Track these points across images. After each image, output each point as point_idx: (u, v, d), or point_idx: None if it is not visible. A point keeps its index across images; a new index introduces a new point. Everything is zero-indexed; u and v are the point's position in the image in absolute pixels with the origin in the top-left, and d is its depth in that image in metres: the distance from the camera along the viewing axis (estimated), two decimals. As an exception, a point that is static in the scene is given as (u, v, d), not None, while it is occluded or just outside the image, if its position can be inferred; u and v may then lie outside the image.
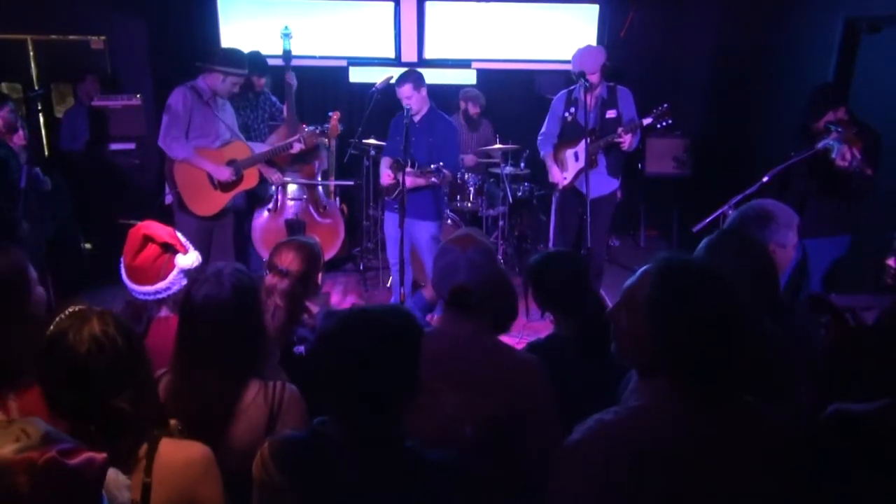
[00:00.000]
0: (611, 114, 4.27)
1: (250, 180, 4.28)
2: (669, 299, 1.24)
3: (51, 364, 1.32)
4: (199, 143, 4.09)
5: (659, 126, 4.19)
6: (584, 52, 4.21)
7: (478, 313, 1.78)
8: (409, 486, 1.31)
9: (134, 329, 1.44)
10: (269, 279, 2.12)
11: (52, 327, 1.33)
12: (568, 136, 4.38)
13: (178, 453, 1.39)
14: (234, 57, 4.15)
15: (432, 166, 4.09)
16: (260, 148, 4.36)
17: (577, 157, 4.31)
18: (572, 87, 4.32)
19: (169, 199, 4.23)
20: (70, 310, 1.36)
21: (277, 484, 1.33)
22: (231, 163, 4.16)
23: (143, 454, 1.36)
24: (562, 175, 4.38)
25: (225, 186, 4.19)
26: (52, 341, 1.32)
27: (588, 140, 4.05)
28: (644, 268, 1.32)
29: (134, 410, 1.37)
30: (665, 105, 4.07)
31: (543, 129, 4.51)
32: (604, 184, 4.32)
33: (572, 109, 4.33)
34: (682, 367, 1.24)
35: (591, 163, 4.16)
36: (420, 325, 1.41)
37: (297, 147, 4.37)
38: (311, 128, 4.41)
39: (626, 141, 4.13)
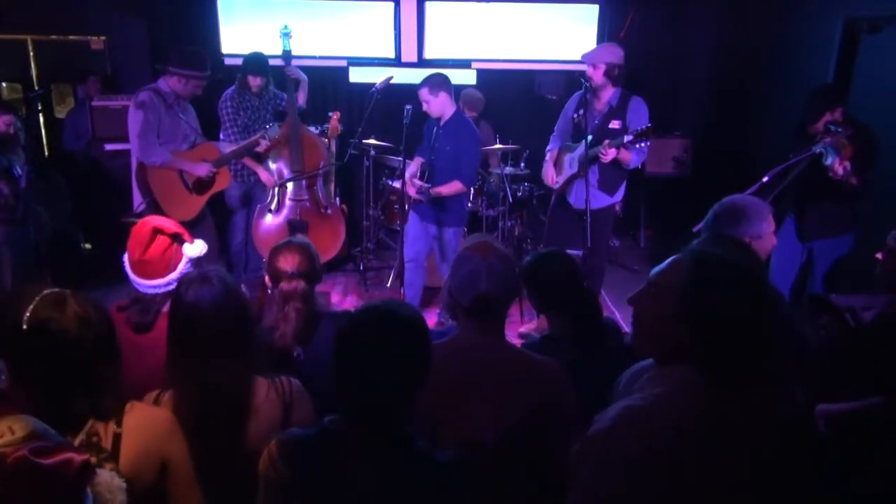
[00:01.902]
0: (614, 124, 3.96)
1: (223, 181, 4.27)
2: (704, 288, 1.26)
3: (38, 346, 1.37)
4: (167, 148, 4.04)
5: (638, 146, 3.80)
6: (598, 47, 4.02)
7: (496, 320, 1.78)
8: (418, 486, 1.31)
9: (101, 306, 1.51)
10: (285, 285, 2.08)
11: (28, 313, 1.36)
12: (573, 138, 4.21)
13: (146, 411, 1.51)
14: (193, 58, 4.03)
15: (423, 185, 4.09)
16: (228, 148, 4.35)
17: (571, 164, 4.14)
18: (587, 88, 4.07)
19: (140, 207, 4.13)
20: (43, 294, 1.40)
21: (285, 481, 1.33)
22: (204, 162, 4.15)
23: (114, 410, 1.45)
24: (554, 177, 4.23)
25: (200, 189, 4.16)
26: (38, 326, 1.36)
27: (585, 147, 3.88)
28: (674, 257, 1.34)
29: (115, 374, 1.46)
30: (648, 125, 3.74)
31: (556, 126, 4.38)
32: (593, 197, 3.97)
33: (581, 111, 4.11)
34: (710, 355, 1.25)
35: (580, 172, 3.99)
36: (427, 327, 1.41)
37: (264, 144, 4.34)
38: (274, 124, 4.37)
39: (609, 155, 3.77)
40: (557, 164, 4.29)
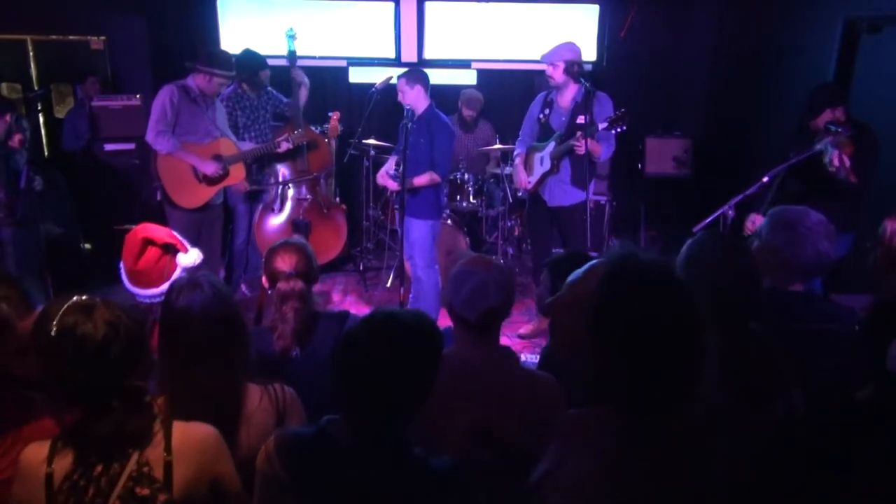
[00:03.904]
0: (581, 119, 3.99)
1: (236, 176, 4.32)
2: (617, 296, 1.15)
3: (66, 352, 1.35)
4: (186, 140, 4.13)
5: (614, 132, 3.85)
6: (556, 46, 4.05)
7: (495, 332, 1.79)
8: (410, 492, 1.30)
9: (134, 314, 1.48)
10: (282, 285, 2.07)
11: (56, 320, 1.36)
12: (540, 138, 4.26)
13: (192, 431, 1.45)
14: (218, 58, 4.18)
15: (396, 172, 4.13)
16: (246, 145, 4.40)
17: (541, 162, 4.17)
18: (551, 90, 4.21)
19: (158, 195, 4.27)
20: (72, 301, 1.40)
21: (280, 478, 1.33)
22: (216, 158, 4.19)
23: (160, 434, 1.40)
24: (527, 179, 4.26)
25: (210, 180, 4.21)
26: (64, 331, 1.35)
27: (554, 144, 3.96)
28: (591, 263, 1.28)
29: (145, 387, 1.44)
30: (622, 110, 3.79)
31: (521, 131, 4.44)
32: (567, 193, 4.10)
33: (546, 111, 4.21)
34: (624, 374, 1.14)
35: (553, 169, 4.04)
36: (442, 335, 1.39)
37: (285, 146, 4.42)
38: (301, 130, 4.44)
39: (582, 146, 3.82)
40: (527, 166, 4.32)
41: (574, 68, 3.98)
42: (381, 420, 1.32)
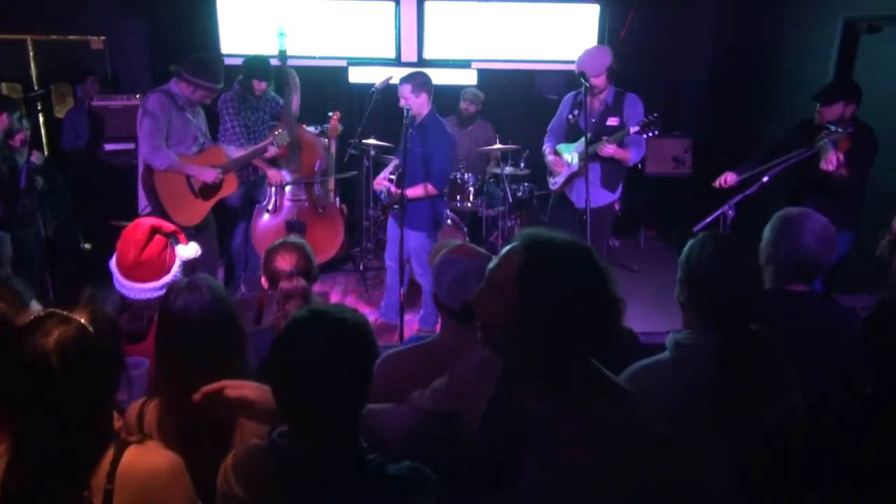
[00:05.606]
0: (612, 121, 4.01)
1: (229, 187, 4.25)
2: (541, 273, 1.18)
3: (15, 364, 1.27)
4: (176, 151, 4.02)
5: (646, 136, 3.87)
6: (587, 53, 4.03)
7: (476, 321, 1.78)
8: (368, 499, 1.26)
9: (111, 332, 1.37)
10: (285, 284, 2.07)
11: (22, 327, 1.30)
12: (569, 139, 4.23)
13: (142, 460, 1.34)
14: (204, 67, 4.01)
15: (385, 185, 4.14)
16: (235, 153, 4.34)
17: (569, 163, 4.17)
18: (580, 90, 4.12)
19: (146, 211, 4.15)
20: (42, 312, 1.32)
21: (237, 496, 1.29)
22: (212, 167, 4.14)
23: (108, 459, 1.31)
24: (558, 168, 4.24)
25: (206, 194, 4.14)
26: (18, 342, 1.27)
27: (583, 146, 3.93)
28: (507, 248, 1.26)
29: (99, 414, 1.35)
30: (655, 115, 3.79)
31: (549, 127, 4.40)
32: (595, 195, 4.04)
33: (576, 112, 4.16)
34: (556, 345, 1.19)
35: (581, 170, 4.02)
36: (371, 327, 1.34)
37: (272, 150, 4.34)
38: (283, 131, 4.37)
39: (609, 150, 3.84)
40: (555, 166, 4.29)
41: (610, 71, 3.98)
42: (323, 425, 1.26)
